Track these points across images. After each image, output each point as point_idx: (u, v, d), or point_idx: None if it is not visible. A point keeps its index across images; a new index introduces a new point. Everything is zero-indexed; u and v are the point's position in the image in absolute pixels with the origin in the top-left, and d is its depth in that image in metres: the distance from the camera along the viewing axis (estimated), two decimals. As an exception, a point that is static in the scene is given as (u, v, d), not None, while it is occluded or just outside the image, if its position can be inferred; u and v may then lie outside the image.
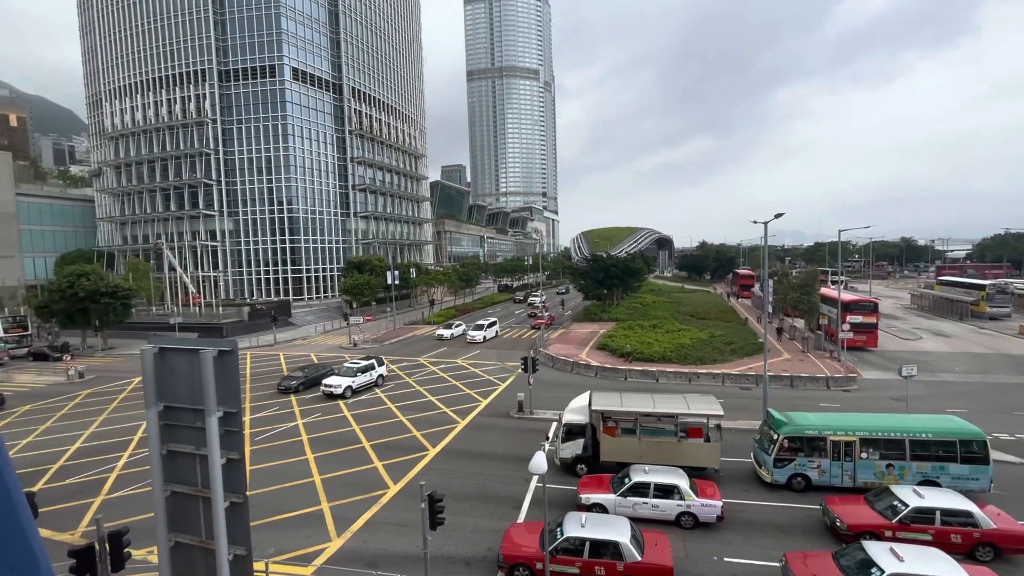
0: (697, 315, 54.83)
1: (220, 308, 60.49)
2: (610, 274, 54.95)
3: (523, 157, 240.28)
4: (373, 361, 31.65)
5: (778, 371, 31.59)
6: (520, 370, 27.70)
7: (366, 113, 79.49)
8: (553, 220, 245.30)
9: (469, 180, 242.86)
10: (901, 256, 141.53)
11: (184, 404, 6.17)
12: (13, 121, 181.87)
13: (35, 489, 17.90)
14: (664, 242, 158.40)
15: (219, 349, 5.89)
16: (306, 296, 69.34)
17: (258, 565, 12.56)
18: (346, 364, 31.40)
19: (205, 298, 63.66)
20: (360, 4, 79.34)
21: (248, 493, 6.14)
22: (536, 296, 65.29)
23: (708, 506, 15.21)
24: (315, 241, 71.00)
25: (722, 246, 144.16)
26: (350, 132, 75.88)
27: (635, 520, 14.52)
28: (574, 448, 19.06)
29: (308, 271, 69.95)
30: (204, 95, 67.61)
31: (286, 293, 67.96)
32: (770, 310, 38.53)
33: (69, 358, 38.90)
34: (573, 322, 53.60)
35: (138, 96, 70.54)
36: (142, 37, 69.89)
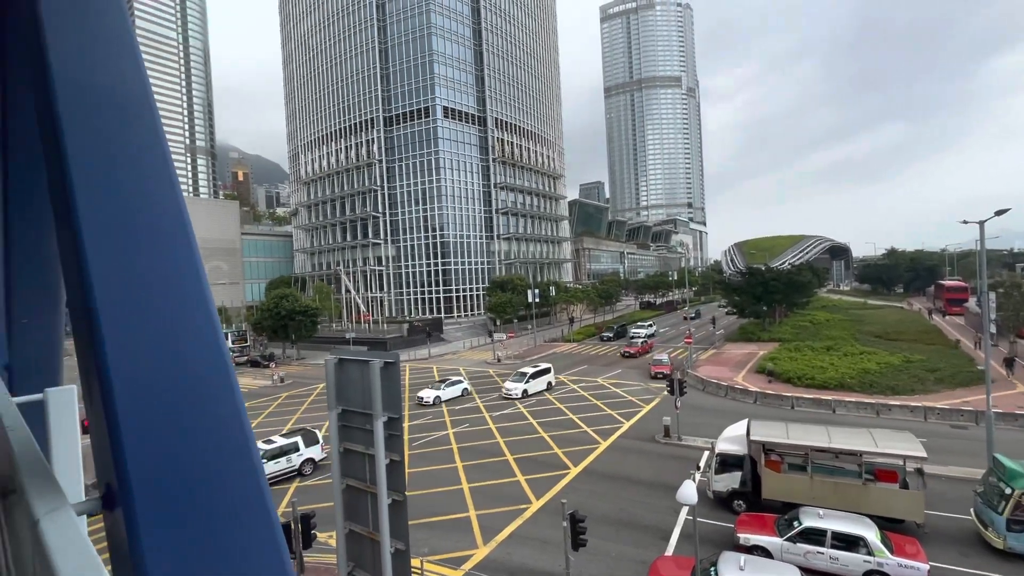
0: (886, 335, 46.10)
1: (384, 324, 68.46)
2: (770, 288, 49.16)
3: (665, 168, 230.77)
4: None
5: (1009, 407, 24.83)
6: (666, 392, 26.10)
7: (507, 140, 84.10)
8: (700, 232, 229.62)
9: (608, 196, 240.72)
10: None
11: (357, 408, 6.99)
12: (240, 176, 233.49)
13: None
14: (839, 251, 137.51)
15: (385, 361, 6.62)
16: (455, 314, 74.88)
17: (414, 561, 13.59)
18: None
19: (373, 316, 72.71)
20: (502, 41, 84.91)
21: (407, 493, 6.65)
22: (643, 327, 55.08)
23: (908, 568, 12.34)
24: (463, 263, 76.57)
25: (918, 253, 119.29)
26: (493, 160, 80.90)
27: (806, 572, 12.44)
28: (729, 481, 17.17)
29: (457, 291, 75.59)
30: (372, 140, 78.31)
31: (438, 311, 74.21)
32: (993, 330, 30.56)
33: (274, 365, 47.39)
34: (726, 342, 49.05)
35: (324, 146, 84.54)
36: (328, 98, 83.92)
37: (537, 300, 56.07)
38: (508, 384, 33.59)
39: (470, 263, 77.36)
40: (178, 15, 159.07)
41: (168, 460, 1.04)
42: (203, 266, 1.48)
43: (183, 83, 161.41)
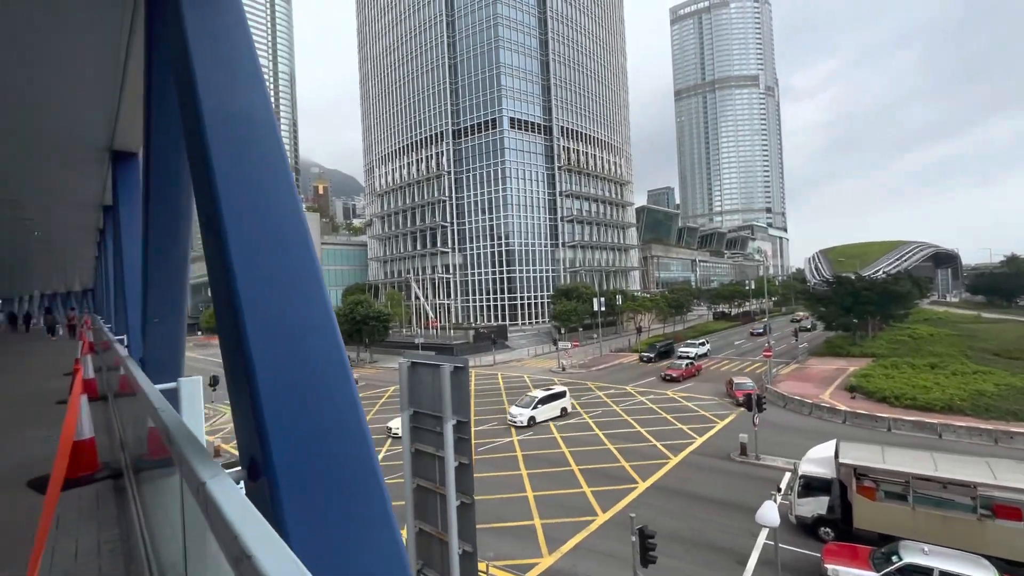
0: (1007, 354, 40.65)
1: (451, 331, 70.17)
2: (861, 299, 44.89)
3: (741, 172, 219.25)
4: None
5: None
6: (742, 407, 24.59)
7: (573, 148, 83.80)
8: (780, 238, 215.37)
9: (678, 202, 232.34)
10: None
11: (428, 411, 7.23)
12: (321, 190, 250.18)
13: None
14: (944, 258, 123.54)
15: (455, 366, 6.81)
16: (520, 321, 75.28)
17: (480, 565, 13.70)
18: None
19: (440, 322, 74.79)
20: (568, 49, 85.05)
21: (475, 496, 6.74)
22: (693, 346, 49.80)
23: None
24: (527, 271, 76.92)
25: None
26: (559, 168, 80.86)
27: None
28: (815, 506, 15.80)
29: (521, 298, 75.97)
30: (442, 152, 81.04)
31: (503, 318, 74.94)
32: None
33: (350, 368, 50.02)
34: (810, 356, 45.43)
35: (396, 160, 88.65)
36: (400, 114, 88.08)
37: (603, 309, 54.95)
38: (513, 410, 29.31)
39: (535, 271, 77.55)
40: (269, 44, 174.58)
41: (301, 439, 1.20)
42: (320, 268, 1.67)
43: (273, 105, 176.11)
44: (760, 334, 61.29)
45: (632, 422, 28.96)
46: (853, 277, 49.08)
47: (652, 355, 48.71)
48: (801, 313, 79.08)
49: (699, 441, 25.28)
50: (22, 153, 6.16)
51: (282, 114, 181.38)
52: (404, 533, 14.45)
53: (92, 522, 3.25)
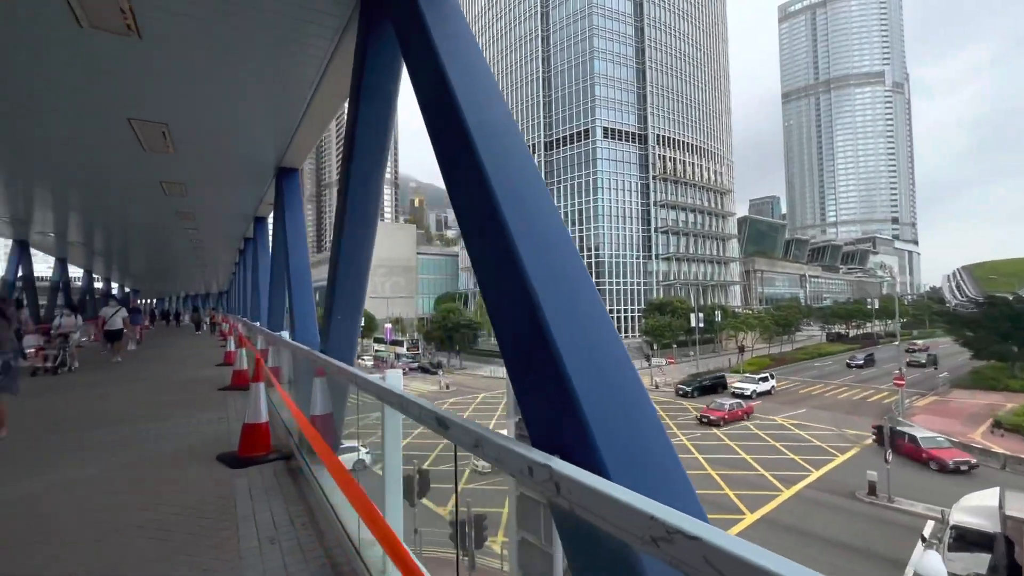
0: None
1: (541, 341, 70.35)
2: (1022, 324, 37.92)
3: (861, 178, 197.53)
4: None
5: None
6: (871, 441, 21.87)
7: (670, 157, 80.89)
8: (909, 252, 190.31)
9: (784, 212, 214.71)
10: None
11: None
12: (417, 203, 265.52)
13: (426, 468, 24.15)
14: None
15: None
16: (610, 335, 73.36)
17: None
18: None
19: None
20: (665, 56, 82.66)
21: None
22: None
23: None
24: (618, 283, 75.10)
25: None
26: (654, 178, 78.40)
27: None
28: (972, 564, 13.49)
29: (611, 311, 74.25)
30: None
31: (592, 331, 73.52)
32: None
33: (442, 373, 51.95)
34: (952, 388, 39.31)
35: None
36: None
37: (702, 325, 52.00)
38: None
39: (625, 283, 75.49)
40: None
41: (604, 408, 1.28)
42: (580, 256, 1.79)
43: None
44: (860, 365, 52.07)
45: (735, 447, 26.92)
46: (1011, 298, 41.75)
47: (690, 389, 39.83)
48: (920, 342, 67.59)
49: (815, 475, 22.84)
50: (206, 171, 7.19)
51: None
52: (501, 538, 14.47)
53: (279, 497, 3.61)
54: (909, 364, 46.25)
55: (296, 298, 5.97)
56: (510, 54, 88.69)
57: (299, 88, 4.55)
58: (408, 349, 63.68)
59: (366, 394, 2.55)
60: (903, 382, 30.97)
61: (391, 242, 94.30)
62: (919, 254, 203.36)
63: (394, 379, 2.34)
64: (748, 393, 38.44)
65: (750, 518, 18.49)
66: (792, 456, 25.33)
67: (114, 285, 35.33)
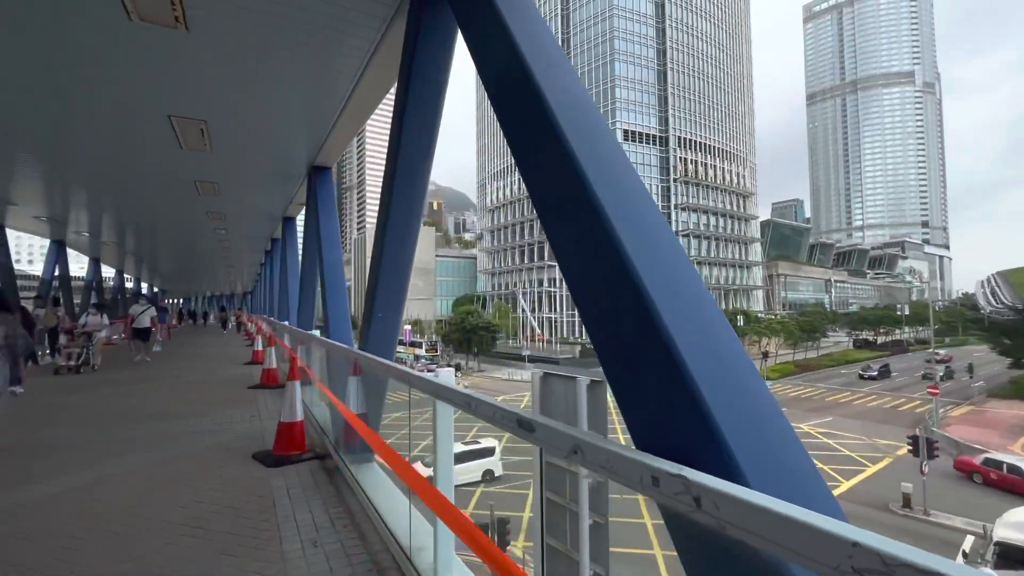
0: None
1: (557, 345, 69.95)
2: (1065, 332, 36.32)
3: (889, 181, 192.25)
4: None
5: None
6: (906, 451, 21.09)
7: (691, 159, 79.89)
8: (940, 257, 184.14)
9: (808, 216, 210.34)
10: None
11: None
12: (436, 206, 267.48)
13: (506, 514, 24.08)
14: None
15: (591, 379, 6.70)
16: (629, 338, 72.53)
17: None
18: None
19: (546, 335, 75.01)
20: (688, 57, 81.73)
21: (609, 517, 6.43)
22: None
23: None
24: (639, 287, 74.08)
25: None
26: (675, 180, 77.53)
27: None
28: (1020, 585, 12.84)
29: (631, 315, 73.24)
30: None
31: (611, 334, 72.81)
32: None
33: (459, 375, 52.02)
34: (989, 397, 37.80)
35: (508, 176, 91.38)
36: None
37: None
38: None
39: (646, 287, 74.35)
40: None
41: (734, 411, 1.15)
42: (678, 240, 1.68)
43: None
44: (874, 376, 48.47)
45: (761, 456, 26.25)
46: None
47: None
48: (943, 352, 63.68)
49: (845, 486, 22.14)
50: (240, 170, 7.23)
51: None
52: (521, 543, 14.23)
53: (317, 498, 3.53)
54: (924, 376, 43.33)
55: (330, 297, 5.94)
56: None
57: (341, 82, 4.50)
58: (427, 351, 63.92)
59: (418, 392, 2.45)
60: (937, 391, 29.89)
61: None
62: (951, 259, 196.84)
63: (447, 378, 2.25)
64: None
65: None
66: (820, 465, 24.56)
67: (144, 284, 36.28)
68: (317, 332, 6.71)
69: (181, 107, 5.01)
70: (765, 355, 53.67)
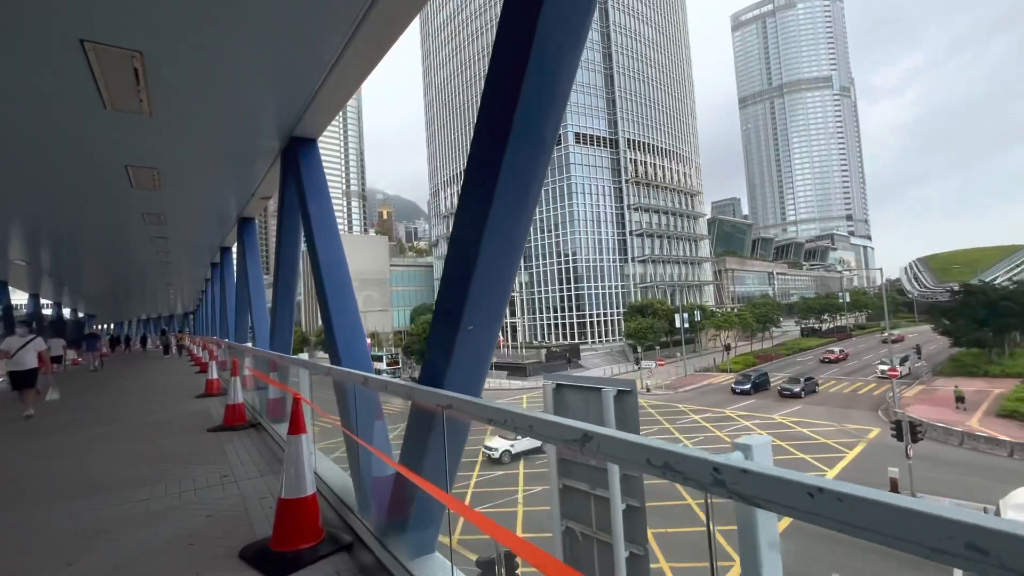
0: None
1: (522, 350, 68.87)
2: (1000, 311, 38.88)
3: (816, 179, 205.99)
4: None
5: None
6: (890, 436, 21.36)
7: (641, 160, 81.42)
8: (864, 247, 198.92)
9: (746, 213, 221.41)
10: None
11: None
12: (385, 215, 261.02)
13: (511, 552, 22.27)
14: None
15: (619, 389, 5.54)
16: (590, 339, 72.84)
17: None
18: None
19: (507, 341, 73.78)
20: (633, 61, 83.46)
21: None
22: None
23: None
24: (596, 287, 74.62)
25: None
26: (626, 181, 78.64)
27: None
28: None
29: (591, 316, 73.61)
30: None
31: (572, 337, 72.81)
32: None
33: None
34: (935, 376, 40.02)
35: (461, 182, 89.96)
36: (465, 136, 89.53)
37: (687, 326, 51.75)
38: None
39: (604, 287, 75.07)
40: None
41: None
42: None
43: (341, 138, 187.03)
44: (832, 360, 52.15)
45: (743, 450, 26.12)
46: (987, 286, 42.99)
47: (747, 387, 40.12)
48: (896, 332, 67.34)
49: (830, 473, 22.16)
50: (189, 145, 5.48)
51: (351, 147, 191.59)
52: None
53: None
54: (880, 364, 44.23)
55: (334, 306, 4.31)
56: (475, 63, 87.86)
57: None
58: (388, 364, 61.12)
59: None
60: (897, 373, 31.05)
61: (364, 254, 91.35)
62: (873, 249, 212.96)
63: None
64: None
65: (779, 525, 17.46)
66: (802, 455, 24.67)
67: (66, 310, 32.06)
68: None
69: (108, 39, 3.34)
70: (727, 347, 54.85)
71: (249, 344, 9.21)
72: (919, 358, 40.19)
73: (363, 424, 3.46)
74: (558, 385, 6.70)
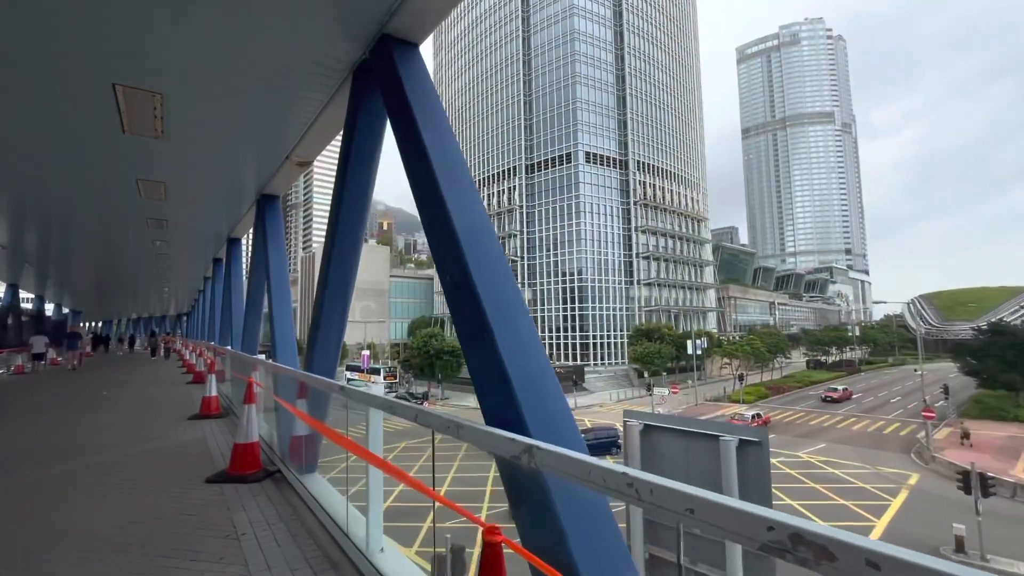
0: None
1: (524, 369, 66.65)
2: (1029, 353, 37.25)
3: (816, 211, 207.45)
4: None
5: None
6: (934, 483, 19.46)
7: (649, 183, 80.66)
8: (862, 282, 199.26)
9: (744, 241, 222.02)
10: None
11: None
12: (385, 226, 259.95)
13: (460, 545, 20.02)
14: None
15: (740, 439, 3.72)
16: (593, 361, 70.79)
17: None
18: None
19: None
20: (645, 84, 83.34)
21: None
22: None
23: None
24: (601, 308, 72.94)
25: None
26: (634, 203, 77.70)
27: None
28: None
29: (594, 337, 71.73)
30: (514, 187, 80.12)
31: (574, 358, 70.78)
32: None
33: (427, 405, 47.41)
34: (961, 418, 38.25)
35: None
36: (473, 151, 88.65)
37: (699, 352, 49.97)
38: None
39: (608, 308, 73.38)
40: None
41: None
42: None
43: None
44: (833, 399, 47.49)
45: (777, 492, 24.06)
46: (1007, 324, 41.52)
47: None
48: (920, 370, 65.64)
49: (879, 525, 20.12)
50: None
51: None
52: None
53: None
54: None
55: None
56: (488, 78, 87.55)
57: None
58: (385, 377, 58.63)
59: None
60: (933, 414, 29.26)
61: (365, 264, 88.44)
62: (870, 283, 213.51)
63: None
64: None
65: (840, 588, 15.39)
66: (843, 501, 22.67)
67: (49, 304, 29.87)
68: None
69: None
70: (741, 377, 52.85)
71: (263, 357, 7.27)
72: (946, 398, 38.52)
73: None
74: (646, 426, 4.74)
